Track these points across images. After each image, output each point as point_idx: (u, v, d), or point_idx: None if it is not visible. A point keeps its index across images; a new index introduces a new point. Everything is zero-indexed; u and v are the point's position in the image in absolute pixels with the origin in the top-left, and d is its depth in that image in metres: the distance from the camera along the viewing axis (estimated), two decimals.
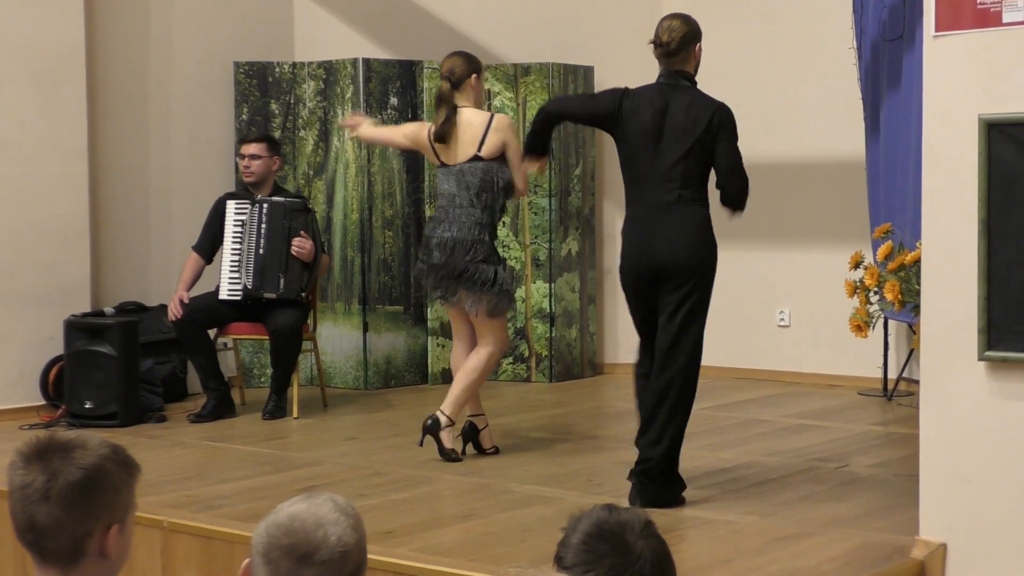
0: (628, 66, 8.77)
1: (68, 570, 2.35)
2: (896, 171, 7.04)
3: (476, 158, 5.97)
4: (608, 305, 8.75)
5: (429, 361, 8.30)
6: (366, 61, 8.13)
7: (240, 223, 7.17)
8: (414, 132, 6.27)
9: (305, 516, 2.24)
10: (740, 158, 5.17)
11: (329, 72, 8.22)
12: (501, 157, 5.99)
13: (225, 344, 7.59)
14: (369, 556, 4.44)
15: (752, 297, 8.44)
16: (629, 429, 6.90)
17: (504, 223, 8.41)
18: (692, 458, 6.08)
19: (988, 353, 4.19)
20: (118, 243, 7.84)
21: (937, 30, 4.26)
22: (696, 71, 5.36)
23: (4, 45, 7.20)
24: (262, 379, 8.07)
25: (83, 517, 2.33)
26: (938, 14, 4.24)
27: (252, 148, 7.22)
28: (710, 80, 8.51)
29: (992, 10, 4.14)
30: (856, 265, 6.84)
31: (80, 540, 2.33)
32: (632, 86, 8.70)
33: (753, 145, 8.32)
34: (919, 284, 4.54)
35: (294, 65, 8.35)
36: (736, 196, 5.15)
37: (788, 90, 8.24)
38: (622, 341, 8.73)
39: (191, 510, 4.98)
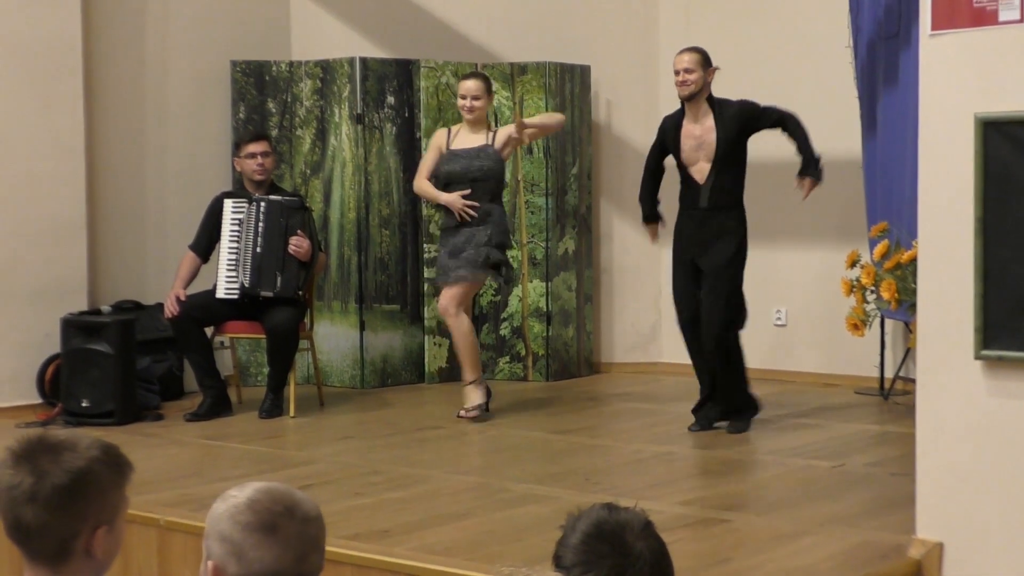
0: (625, 65, 8.78)
1: (56, 568, 2.35)
2: (893, 170, 7.04)
3: None
4: (605, 304, 8.75)
5: (426, 360, 8.30)
6: (363, 60, 8.13)
7: (238, 221, 7.16)
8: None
9: (271, 487, 2.28)
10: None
11: (326, 71, 8.21)
12: None
13: (222, 343, 7.58)
14: (366, 555, 4.47)
15: (749, 296, 8.40)
16: (626, 428, 6.93)
17: None
18: (689, 458, 6.09)
19: (984, 352, 4.19)
20: (115, 241, 7.83)
21: (933, 29, 4.26)
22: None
23: (1, 41, 7.20)
24: (259, 378, 8.06)
25: (69, 520, 2.33)
26: (934, 13, 4.24)
27: (262, 145, 7.21)
28: None
29: (988, 9, 4.14)
30: (853, 264, 6.85)
31: (66, 541, 2.34)
32: (627, 84, 8.88)
33: (749, 143, 8.36)
34: (915, 283, 4.54)
35: (291, 64, 8.35)
36: None
37: (784, 89, 8.22)
38: (618, 340, 8.74)
39: (188, 509, 4.98)
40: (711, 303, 6.48)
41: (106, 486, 2.36)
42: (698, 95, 6.50)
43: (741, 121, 6.51)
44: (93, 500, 2.34)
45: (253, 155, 7.20)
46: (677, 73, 6.50)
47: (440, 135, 7.13)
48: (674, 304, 6.66)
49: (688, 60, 6.48)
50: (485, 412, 6.94)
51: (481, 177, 6.90)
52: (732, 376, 6.53)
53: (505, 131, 7.00)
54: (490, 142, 6.97)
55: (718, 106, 6.53)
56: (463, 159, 6.93)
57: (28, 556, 2.36)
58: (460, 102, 7.01)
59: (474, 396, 6.91)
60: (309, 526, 2.24)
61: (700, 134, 6.53)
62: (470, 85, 6.98)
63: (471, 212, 6.82)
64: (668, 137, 6.66)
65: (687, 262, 6.59)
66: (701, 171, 6.53)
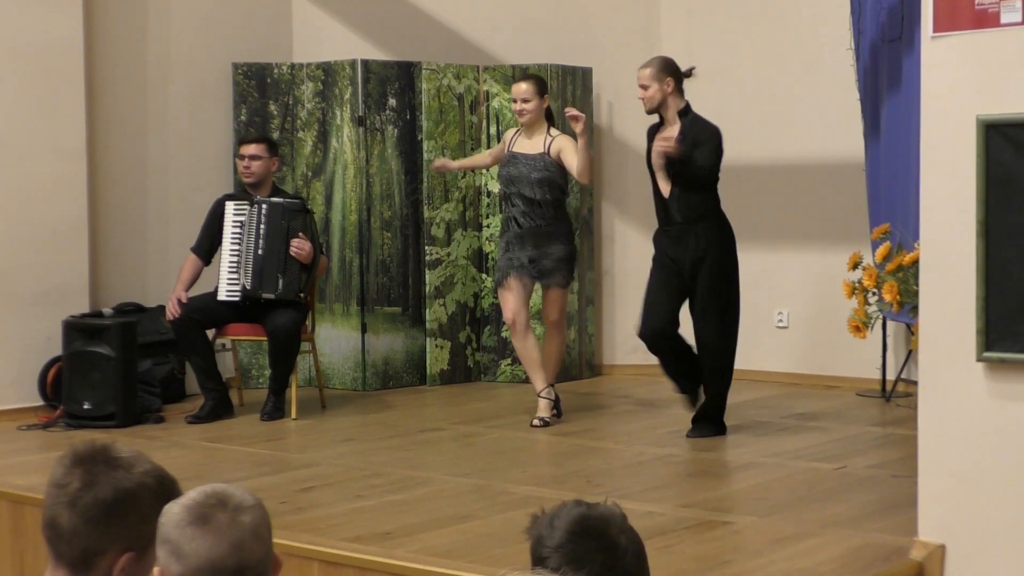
0: (626, 68, 8.77)
1: None
2: (895, 172, 7.03)
3: None
4: (607, 306, 8.75)
5: (427, 362, 8.30)
6: (364, 62, 8.13)
7: (239, 224, 7.17)
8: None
9: (208, 487, 2.30)
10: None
11: (328, 73, 8.21)
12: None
13: (223, 345, 7.59)
14: (368, 557, 4.46)
15: (751, 298, 8.41)
16: (627, 430, 6.93)
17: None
18: (690, 460, 6.08)
19: (986, 354, 4.19)
20: (116, 244, 7.84)
21: (935, 31, 4.26)
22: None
23: (2, 45, 7.20)
24: (260, 380, 8.07)
25: (99, 535, 2.34)
26: (936, 15, 4.24)
27: (252, 149, 7.21)
28: (709, 82, 8.54)
29: (990, 11, 4.14)
30: (855, 266, 6.84)
31: (92, 555, 2.35)
32: (629, 87, 8.87)
33: (751, 146, 8.37)
34: (917, 285, 4.54)
35: (293, 66, 8.35)
36: None
37: (787, 91, 8.24)
38: (619, 343, 8.73)
39: None
40: (704, 323, 6.51)
41: (148, 514, 2.35)
42: (660, 106, 6.44)
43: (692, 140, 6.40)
44: (130, 524, 2.35)
45: (242, 157, 7.22)
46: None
47: (508, 134, 7.16)
48: (642, 310, 6.63)
49: (641, 75, 6.43)
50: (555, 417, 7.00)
51: (538, 185, 6.94)
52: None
53: (561, 142, 6.94)
54: (546, 150, 6.95)
55: (688, 122, 6.43)
56: (523, 166, 6.95)
57: (54, 556, 2.39)
58: (513, 106, 7.03)
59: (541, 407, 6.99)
60: (242, 514, 2.25)
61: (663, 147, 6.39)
62: (519, 88, 6.98)
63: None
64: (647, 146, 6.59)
65: (668, 273, 6.55)
66: (666, 185, 6.47)
